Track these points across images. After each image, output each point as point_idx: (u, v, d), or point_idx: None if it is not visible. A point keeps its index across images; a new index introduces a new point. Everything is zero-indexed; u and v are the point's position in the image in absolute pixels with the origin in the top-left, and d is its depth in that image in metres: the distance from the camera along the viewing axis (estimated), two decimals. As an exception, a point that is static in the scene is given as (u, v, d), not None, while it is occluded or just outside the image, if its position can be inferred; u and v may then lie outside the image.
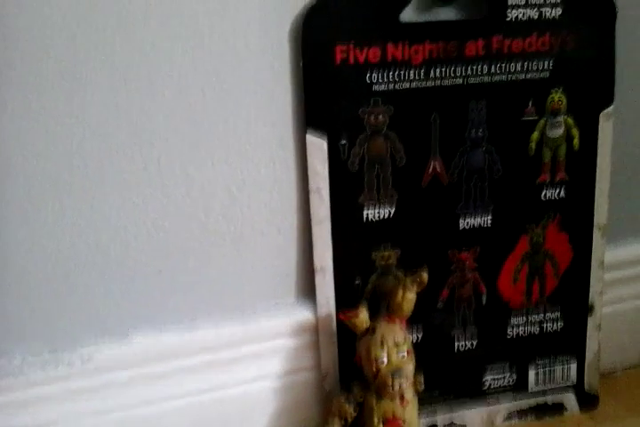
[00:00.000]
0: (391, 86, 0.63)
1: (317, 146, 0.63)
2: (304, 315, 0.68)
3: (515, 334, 0.72)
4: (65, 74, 0.57)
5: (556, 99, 0.67)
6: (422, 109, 0.64)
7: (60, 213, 0.60)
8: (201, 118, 0.61)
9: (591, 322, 0.74)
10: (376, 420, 0.64)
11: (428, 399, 0.70)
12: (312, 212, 0.65)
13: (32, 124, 0.57)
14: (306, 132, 0.63)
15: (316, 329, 0.68)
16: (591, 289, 0.73)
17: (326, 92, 0.62)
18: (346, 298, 0.67)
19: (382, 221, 0.66)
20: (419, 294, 0.65)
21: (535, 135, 0.67)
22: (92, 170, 0.60)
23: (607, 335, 0.76)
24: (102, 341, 0.63)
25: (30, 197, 0.58)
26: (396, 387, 0.63)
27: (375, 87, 0.63)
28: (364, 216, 0.66)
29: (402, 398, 0.64)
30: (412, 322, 0.67)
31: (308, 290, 0.68)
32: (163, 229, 0.63)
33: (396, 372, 0.63)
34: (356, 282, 0.67)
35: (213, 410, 0.67)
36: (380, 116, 0.63)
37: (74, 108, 0.57)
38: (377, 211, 0.66)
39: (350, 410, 0.65)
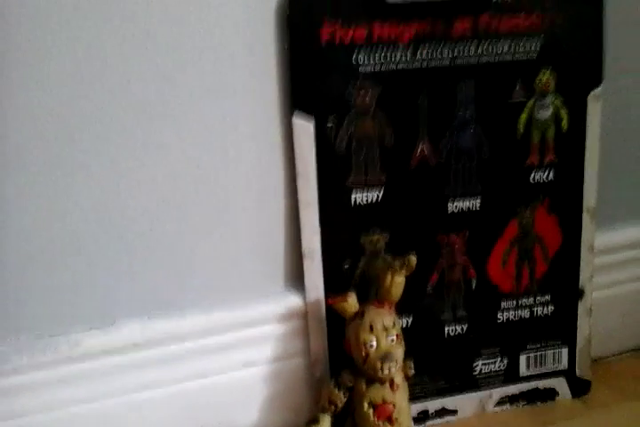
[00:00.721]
0: (378, 67, 0.62)
1: (304, 128, 0.62)
2: (293, 301, 0.67)
3: (505, 318, 0.72)
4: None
5: (545, 80, 0.66)
6: (410, 90, 0.64)
7: (44, 201, 0.59)
8: (186, 100, 0.60)
9: (582, 307, 0.74)
10: (366, 405, 0.63)
11: (418, 385, 0.70)
12: (299, 195, 0.64)
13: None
14: (292, 115, 0.62)
15: (305, 315, 0.67)
16: (581, 273, 0.73)
17: (313, 74, 0.61)
18: (335, 283, 0.66)
19: (370, 205, 0.66)
20: (408, 279, 0.64)
21: (524, 116, 0.67)
22: (71, 153, 0.59)
23: (598, 320, 0.76)
24: (90, 327, 0.62)
25: (15, 185, 0.57)
26: (386, 371, 0.63)
27: (362, 68, 0.62)
28: (353, 199, 0.65)
29: (392, 382, 0.64)
30: (401, 307, 0.67)
31: (296, 275, 0.67)
32: (148, 214, 0.62)
33: (385, 356, 0.62)
34: (345, 266, 0.67)
35: (203, 396, 0.66)
36: (368, 97, 0.63)
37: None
38: (365, 194, 0.65)
39: (340, 396, 0.64)
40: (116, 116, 0.59)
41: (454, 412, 0.72)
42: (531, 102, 0.67)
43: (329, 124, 0.63)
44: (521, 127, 0.67)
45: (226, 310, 0.66)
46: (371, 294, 0.66)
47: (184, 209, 0.63)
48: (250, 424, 0.68)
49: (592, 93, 0.68)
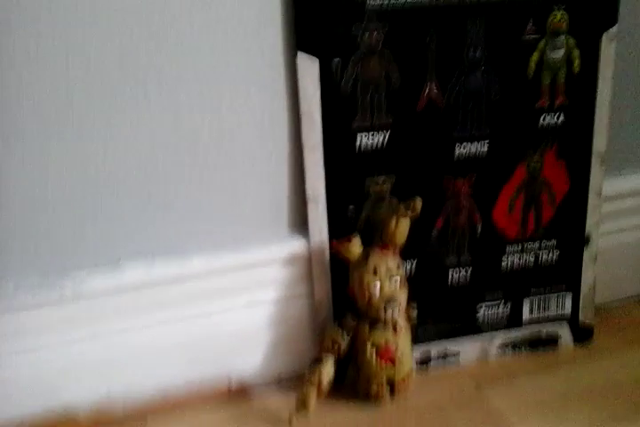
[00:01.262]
0: (386, 2, 0.60)
1: (309, 66, 0.61)
2: (297, 244, 0.67)
3: (510, 263, 0.72)
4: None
5: (558, 18, 0.64)
6: (418, 28, 0.62)
7: (47, 142, 0.58)
8: (189, 45, 0.59)
9: (587, 253, 0.73)
10: (369, 346, 0.64)
11: (422, 328, 0.70)
12: (303, 137, 0.63)
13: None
14: (297, 52, 0.60)
15: (309, 259, 0.67)
16: (588, 220, 0.72)
17: (317, 10, 0.60)
18: (339, 228, 0.66)
19: (376, 148, 0.65)
20: (413, 223, 0.64)
21: (535, 56, 0.65)
22: (81, 102, 0.58)
23: (604, 268, 0.76)
24: (94, 269, 0.63)
25: (19, 128, 0.57)
26: (389, 314, 0.63)
27: (369, 2, 0.60)
28: (358, 143, 0.64)
29: (394, 326, 0.64)
30: (406, 252, 0.66)
31: (300, 219, 0.67)
32: (153, 155, 0.61)
33: (389, 299, 0.63)
34: (350, 210, 0.66)
35: (207, 339, 0.67)
36: (375, 34, 0.61)
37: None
38: (371, 137, 0.64)
39: (344, 336, 0.65)
40: (125, 63, 0.58)
41: (457, 354, 0.72)
42: (542, 42, 0.65)
43: (335, 60, 0.61)
44: (532, 68, 0.65)
45: (230, 253, 0.66)
46: (375, 238, 0.66)
47: (188, 153, 0.62)
48: (254, 365, 0.69)
49: (606, 33, 0.66)
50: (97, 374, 0.65)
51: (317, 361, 0.64)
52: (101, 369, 0.65)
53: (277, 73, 0.62)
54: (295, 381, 0.68)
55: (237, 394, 0.69)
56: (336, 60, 0.61)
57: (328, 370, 0.64)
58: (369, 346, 0.64)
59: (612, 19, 0.66)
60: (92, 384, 0.65)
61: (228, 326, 0.67)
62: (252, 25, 0.60)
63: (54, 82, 0.57)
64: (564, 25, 0.65)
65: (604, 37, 0.66)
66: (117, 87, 0.58)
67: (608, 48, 0.66)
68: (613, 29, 0.66)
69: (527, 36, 0.64)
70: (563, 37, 0.65)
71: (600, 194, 0.71)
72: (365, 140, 0.64)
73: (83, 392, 0.65)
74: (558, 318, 0.75)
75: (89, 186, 0.60)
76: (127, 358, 0.65)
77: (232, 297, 0.67)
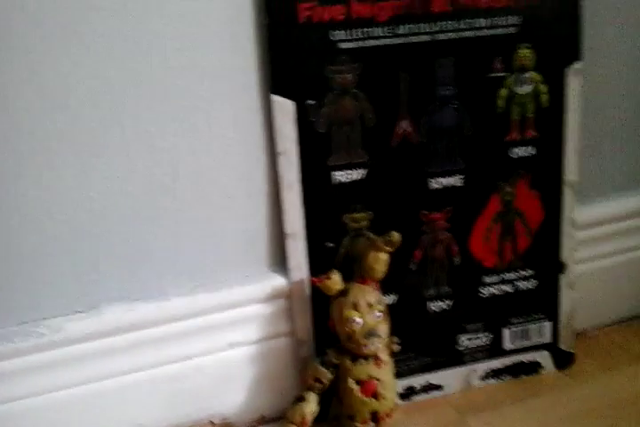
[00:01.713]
0: (357, 44, 0.62)
1: (284, 107, 0.62)
2: (277, 281, 0.67)
3: (488, 293, 0.73)
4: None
5: (523, 54, 0.66)
6: (390, 67, 0.63)
7: (21, 186, 0.58)
8: (164, 81, 0.60)
9: (564, 280, 0.74)
10: (351, 381, 0.64)
11: (404, 362, 0.70)
12: (280, 175, 0.64)
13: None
14: (273, 95, 0.62)
15: (289, 295, 0.67)
16: (563, 247, 0.73)
17: (291, 52, 0.61)
18: (318, 263, 0.66)
19: (353, 184, 0.66)
20: (391, 256, 0.65)
21: (503, 92, 0.67)
22: (50, 137, 0.58)
23: (582, 294, 0.77)
24: (72, 313, 0.62)
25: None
26: (371, 347, 0.63)
27: (341, 45, 0.61)
28: (335, 179, 0.65)
29: (377, 359, 0.64)
30: (385, 285, 0.67)
31: (279, 257, 0.67)
32: (130, 195, 0.61)
33: (370, 332, 0.63)
34: (329, 246, 0.67)
35: (188, 379, 0.66)
36: (349, 75, 0.62)
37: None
38: (347, 173, 0.65)
39: (326, 373, 0.64)
40: (89, 99, 0.58)
41: (440, 387, 0.73)
42: (510, 78, 0.66)
43: (310, 102, 0.62)
44: (501, 103, 0.67)
45: (210, 292, 0.66)
46: (355, 273, 0.66)
47: (165, 192, 0.63)
48: (237, 406, 0.69)
49: (572, 68, 0.68)
50: (77, 419, 0.64)
51: (300, 400, 0.64)
52: (81, 413, 0.64)
53: (254, 114, 0.63)
54: (278, 421, 0.68)
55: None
56: (310, 102, 0.62)
57: (311, 408, 0.64)
58: (351, 381, 0.64)
59: (575, 53, 0.68)
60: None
61: (208, 366, 0.67)
62: (228, 68, 0.61)
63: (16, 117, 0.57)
64: (530, 61, 0.67)
65: (570, 71, 0.68)
66: (92, 129, 0.59)
67: (574, 81, 0.69)
68: (578, 64, 0.68)
69: (495, 73, 0.66)
70: (529, 73, 0.67)
71: (573, 222, 0.73)
72: (342, 176, 0.65)
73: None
74: (539, 345, 0.75)
75: (65, 230, 0.60)
76: (107, 402, 0.64)
77: (212, 337, 0.67)
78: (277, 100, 0.62)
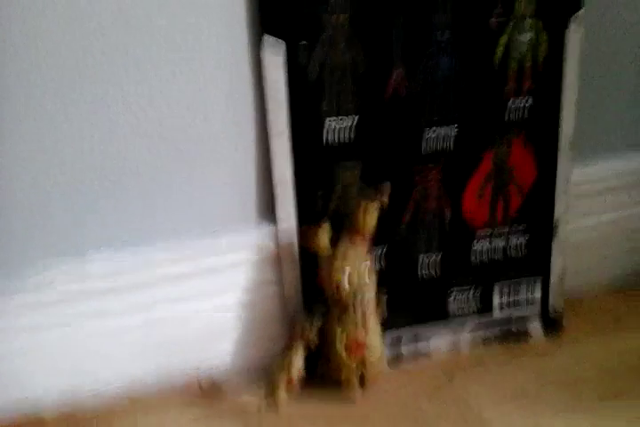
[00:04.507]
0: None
1: (275, 50, 0.60)
2: (265, 231, 0.66)
3: (479, 250, 0.71)
4: None
5: (524, 2, 0.64)
6: (385, 12, 0.61)
7: (16, 135, 0.57)
8: (153, 31, 0.58)
9: (556, 241, 0.73)
10: (338, 334, 0.63)
11: (392, 316, 0.69)
12: (270, 124, 0.62)
13: None
14: (262, 35, 0.59)
15: (277, 245, 0.66)
16: (556, 207, 0.72)
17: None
18: (308, 214, 0.65)
19: (344, 134, 0.64)
20: (382, 211, 0.63)
21: (503, 39, 0.64)
22: (51, 92, 0.57)
23: (574, 257, 0.75)
24: (62, 257, 0.62)
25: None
26: (358, 300, 0.62)
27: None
28: (325, 129, 0.63)
29: (364, 312, 0.63)
30: (376, 240, 0.65)
31: (269, 206, 0.66)
32: (122, 145, 0.61)
33: (357, 295, 0.62)
34: (319, 196, 0.65)
35: (177, 328, 0.66)
36: (342, 16, 0.60)
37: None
38: (338, 123, 0.64)
39: (313, 325, 0.64)
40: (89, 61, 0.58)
41: (427, 340, 0.72)
42: (510, 26, 0.64)
43: (302, 42, 0.60)
44: (499, 51, 0.65)
45: (198, 239, 0.65)
46: (345, 225, 0.65)
47: (156, 140, 0.61)
48: (224, 359, 0.68)
49: (574, 16, 0.65)
50: (63, 372, 0.64)
51: (287, 348, 0.63)
52: (67, 367, 0.64)
53: (243, 58, 0.61)
54: (266, 372, 0.67)
55: (207, 388, 0.67)
56: (303, 40, 0.60)
57: (298, 356, 0.63)
58: (338, 333, 0.63)
59: (577, 2, 0.66)
60: (59, 382, 0.64)
61: (198, 314, 0.66)
62: (217, 9, 0.59)
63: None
64: (532, 8, 0.64)
65: (572, 20, 0.66)
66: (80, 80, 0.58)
67: (575, 31, 0.66)
68: (580, 13, 0.66)
69: (494, 19, 0.64)
70: (530, 20, 0.65)
71: (568, 181, 0.72)
72: (333, 126, 0.64)
73: (49, 391, 0.63)
74: (528, 309, 0.74)
75: (54, 177, 0.60)
76: (94, 355, 0.64)
77: (201, 285, 0.66)
78: (268, 41, 0.60)
